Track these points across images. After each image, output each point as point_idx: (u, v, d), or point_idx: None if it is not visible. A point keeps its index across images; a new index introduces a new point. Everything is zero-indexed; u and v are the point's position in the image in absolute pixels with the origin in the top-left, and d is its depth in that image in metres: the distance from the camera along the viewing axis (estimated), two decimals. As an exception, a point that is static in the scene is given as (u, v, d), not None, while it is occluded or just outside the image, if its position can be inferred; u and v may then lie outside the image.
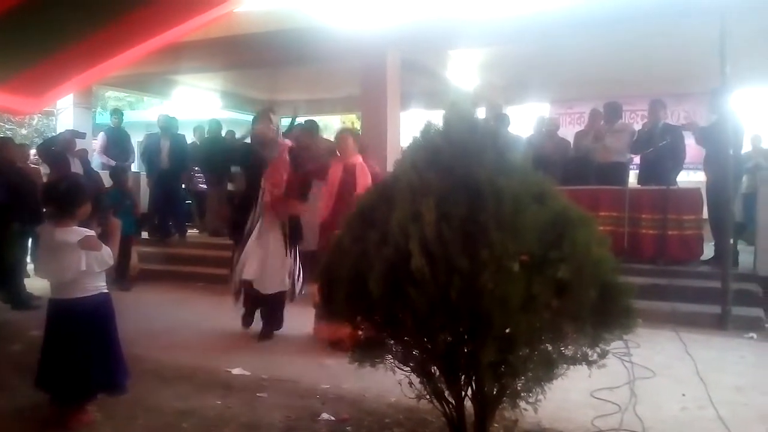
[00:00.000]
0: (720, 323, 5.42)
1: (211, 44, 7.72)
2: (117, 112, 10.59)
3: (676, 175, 7.26)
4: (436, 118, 2.77)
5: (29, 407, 3.52)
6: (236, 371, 4.32)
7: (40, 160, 8.48)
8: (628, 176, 7.44)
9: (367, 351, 2.76)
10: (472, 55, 9.25)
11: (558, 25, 6.87)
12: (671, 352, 4.47)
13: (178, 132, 9.98)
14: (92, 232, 3.24)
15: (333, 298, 2.73)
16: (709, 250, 6.64)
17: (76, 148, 8.28)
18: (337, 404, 3.65)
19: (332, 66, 9.37)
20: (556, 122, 9.79)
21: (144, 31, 5.69)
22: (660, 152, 6.84)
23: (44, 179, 7.49)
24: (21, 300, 6.48)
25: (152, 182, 9.47)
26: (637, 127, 8.82)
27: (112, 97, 19.78)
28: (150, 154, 9.50)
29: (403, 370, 2.80)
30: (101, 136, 10.12)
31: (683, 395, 3.75)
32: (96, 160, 10.05)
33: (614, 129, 7.77)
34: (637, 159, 7.86)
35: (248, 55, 8.64)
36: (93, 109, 12.16)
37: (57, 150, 7.74)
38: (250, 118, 15.16)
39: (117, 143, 9.90)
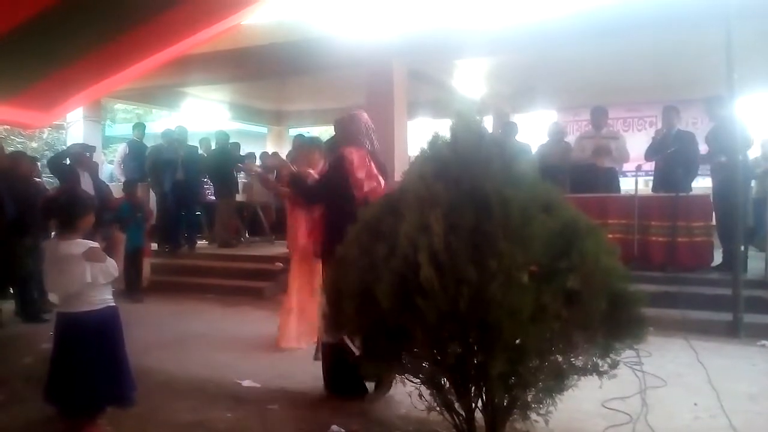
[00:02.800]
0: (731, 331, 5.37)
1: (219, 56, 7.80)
2: (140, 126, 10.69)
3: (691, 181, 7.24)
4: (443, 127, 2.78)
5: (41, 421, 3.53)
6: (246, 383, 4.32)
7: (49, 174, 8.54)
8: (618, 183, 7.74)
9: (376, 363, 2.76)
10: (479, 64, 9.27)
11: (563, 34, 6.89)
12: (682, 361, 4.43)
13: (189, 144, 10.06)
14: (96, 244, 3.26)
15: (341, 310, 2.73)
16: (718, 257, 6.60)
17: (86, 162, 8.33)
18: (347, 416, 3.63)
19: (338, 76, 9.41)
20: (563, 128, 9.66)
21: (153, 44, 5.75)
22: (673, 159, 6.82)
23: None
24: (32, 313, 6.52)
25: (164, 193, 9.51)
26: (646, 134, 8.85)
27: (121, 109, 19.94)
28: (164, 165, 9.55)
29: (412, 381, 2.79)
30: (123, 147, 10.19)
31: (695, 404, 3.72)
32: (107, 170, 10.14)
33: (601, 135, 7.80)
34: (646, 166, 7.89)
35: (256, 67, 8.71)
36: (102, 122, 12.24)
37: (66, 164, 7.80)
38: (257, 128, 15.36)
39: (137, 156, 9.98)
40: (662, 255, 6.59)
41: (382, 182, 4.31)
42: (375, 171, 4.24)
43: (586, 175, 7.69)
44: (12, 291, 6.77)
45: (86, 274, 3.14)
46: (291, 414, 3.70)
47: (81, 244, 3.19)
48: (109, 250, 3.34)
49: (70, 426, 3.31)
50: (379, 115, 7.95)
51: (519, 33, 6.98)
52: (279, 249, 8.79)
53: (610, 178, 7.69)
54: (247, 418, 3.64)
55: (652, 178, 8.02)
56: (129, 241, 7.38)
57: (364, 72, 8.04)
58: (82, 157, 8.08)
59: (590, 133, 8.11)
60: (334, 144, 4.79)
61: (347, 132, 4.47)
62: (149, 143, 10.49)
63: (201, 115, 12.67)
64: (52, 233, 3.41)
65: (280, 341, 5.25)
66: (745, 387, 4.05)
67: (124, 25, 4.92)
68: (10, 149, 10.57)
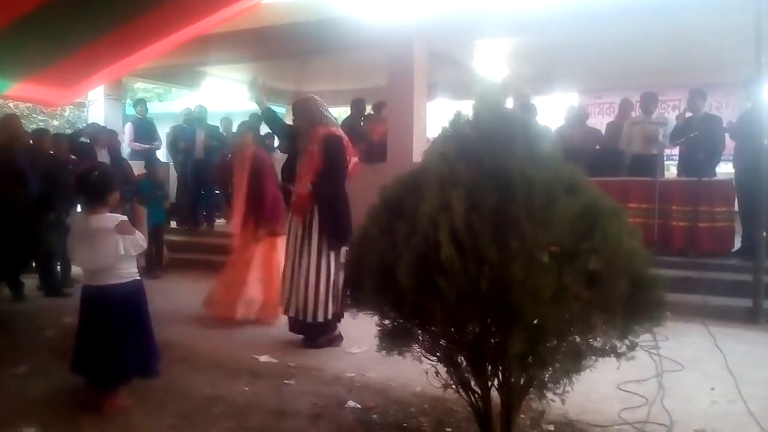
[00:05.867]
0: (751, 317, 5.34)
1: (239, 35, 7.78)
2: (141, 102, 10.74)
3: (715, 165, 7.14)
4: (464, 108, 2.76)
5: (64, 392, 3.62)
6: (264, 359, 4.37)
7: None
8: (663, 168, 7.42)
9: (394, 340, 2.77)
10: (499, 45, 9.18)
11: (586, 15, 6.79)
12: (700, 346, 4.41)
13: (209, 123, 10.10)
14: (125, 218, 3.34)
15: (361, 288, 2.74)
16: (738, 243, 6.54)
17: (104, 140, 8.40)
18: (363, 392, 3.68)
19: (359, 57, 9.37)
20: (585, 111, 9.71)
21: (173, 23, 5.75)
22: (698, 143, 6.72)
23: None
24: (54, 287, 6.63)
25: (184, 172, 9.57)
26: (669, 116, 8.71)
27: (141, 88, 20.03)
28: (184, 144, 9.58)
29: (429, 359, 2.81)
30: (128, 126, 10.26)
31: (712, 389, 3.71)
32: (126, 149, 10.24)
33: (651, 120, 7.68)
34: (672, 150, 7.79)
35: (275, 46, 8.70)
36: (123, 101, 12.33)
37: (84, 142, 7.89)
38: (276, 108, 15.35)
39: (143, 132, 10.05)
40: (683, 240, 6.53)
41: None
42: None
43: (631, 162, 7.64)
44: (35, 265, 6.89)
45: (119, 246, 3.22)
46: (308, 389, 3.74)
47: (112, 218, 3.27)
48: (134, 223, 3.42)
49: (94, 396, 3.38)
50: (399, 96, 7.96)
51: (540, 14, 6.89)
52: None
53: (654, 166, 7.36)
54: (264, 393, 3.69)
55: (674, 162, 7.91)
56: (150, 218, 7.50)
57: (385, 53, 8.00)
58: (98, 136, 8.17)
59: (639, 118, 8.01)
60: (300, 126, 4.65)
61: (312, 112, 4.57)
62: (161, 122, 10.55)
63: (221, 95, 12.70)
64: (78, 209, 3.47)
65: (221, 311, 5.46)
66: (764, 373, 4.03)
67: (146, 4, 4.93)
68: (32, 127, 10.75)
